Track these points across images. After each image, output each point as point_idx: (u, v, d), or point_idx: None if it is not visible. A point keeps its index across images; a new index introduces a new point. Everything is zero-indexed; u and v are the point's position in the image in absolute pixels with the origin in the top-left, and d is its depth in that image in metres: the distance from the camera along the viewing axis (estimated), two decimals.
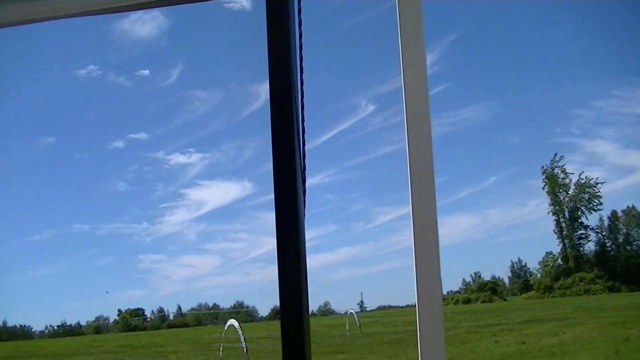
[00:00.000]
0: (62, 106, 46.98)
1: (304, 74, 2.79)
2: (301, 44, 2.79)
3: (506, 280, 46.54)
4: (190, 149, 45.26)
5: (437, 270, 2.61)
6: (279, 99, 2.66)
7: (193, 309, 46.82)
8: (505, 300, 44.11)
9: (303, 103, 2.76)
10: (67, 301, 48.60)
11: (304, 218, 2.70)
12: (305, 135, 2.78)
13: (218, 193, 47.15)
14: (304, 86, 2.77)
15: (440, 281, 2.62)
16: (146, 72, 45.14)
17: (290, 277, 2.60)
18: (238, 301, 45.71)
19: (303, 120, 2.74)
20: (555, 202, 43.51)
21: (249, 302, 45.87)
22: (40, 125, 46.43)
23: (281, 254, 2.61)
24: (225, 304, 46.21)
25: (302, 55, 2.78)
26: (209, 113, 45.22)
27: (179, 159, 44.88)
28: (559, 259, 43.66)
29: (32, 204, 47.56)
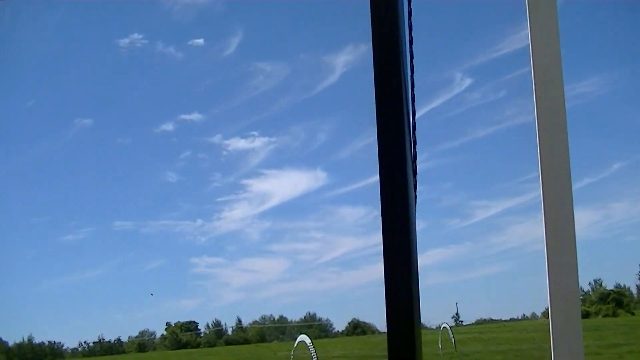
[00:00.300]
0: (100, 82, 47.95)
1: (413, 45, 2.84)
2: (410, 10, 2.85)
3: (634, 290, 45.71)
4: (253, 132, 45.84)
5: (574, 272, 2.66)
6: (386, 76, 2.73)
7: (256, 322, 47.46)
8: (633, 314, 43.34)
9: (413, 80, 2.82)
10: (106, 313, 49.67)
11: (415, 215, 2.77)
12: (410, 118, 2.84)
13: (286, 184, 47.60)
14: (413, 60, 2.82)
15: (579, 286, 2.67)
16: (200, 41, 45.84)
17: (401, 286, 2.66)
18: (309, 313, 46.09)
19: (413, 101, 2.80)
20: None
21: (322, 314, 46.19)
22: (74, 104, 47.45)
23: (389, 258, 2.69)
24: (294, 316, 46.67)
25: (411, 24, 2.83)
26: (275, 89, 45.66)
27: (239, 143, 45.52)
28: None
29: (65, 198, 48.68)
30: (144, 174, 49.35)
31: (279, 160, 46.27)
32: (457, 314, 45.73)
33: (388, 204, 2.70)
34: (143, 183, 48.87)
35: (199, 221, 47.50)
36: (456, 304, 46.05)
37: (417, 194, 2.81)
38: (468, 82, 43.87)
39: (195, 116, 46.36)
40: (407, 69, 2.80)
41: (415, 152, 2.82)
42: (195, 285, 48.31)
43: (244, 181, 46.37)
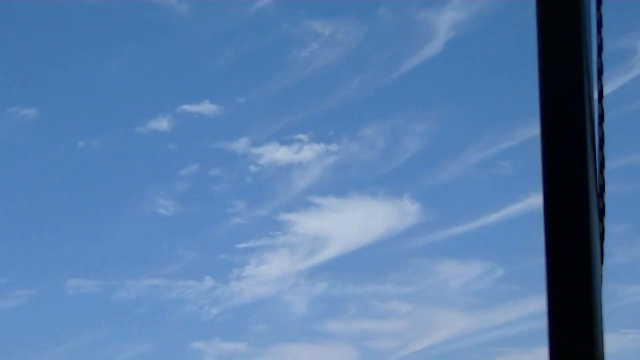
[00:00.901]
0: (53, 49, 47.96)
1: None
2: None
3: None
4: (300, 135, 45.40)
5: None
6: (558, 54, 2.69)
7: None
8: None
9: (601, 63, 2.76)
10: None
11: (602, 283, 2.68)
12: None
13: (352, 222, 46.88)
14: (602, 30, 2.75)
15: None
16: None
17: None
18: None
19: (601, 97, 2.73)
20: None
21: None
22: (10, 84, 47.40)
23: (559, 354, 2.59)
24: None
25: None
26: (337, 65, 45.17)
27: (277, 154, 45.13)
28: None
29: None
30: (120, 201, 49.11)
31: (341, 183, 45.54)
32: None
33: (559, 264, 2.64)
34: (118, 217, 48.68)
35: (209, 281, 47.09)
36: None
37: (605, 247, 2.73)
38: None
39: (207, 107, 45.67)
40: (591, 44, 2.75)
41: (603, 180, 2.76)
42: None
43: (284, 216, 45.77)
